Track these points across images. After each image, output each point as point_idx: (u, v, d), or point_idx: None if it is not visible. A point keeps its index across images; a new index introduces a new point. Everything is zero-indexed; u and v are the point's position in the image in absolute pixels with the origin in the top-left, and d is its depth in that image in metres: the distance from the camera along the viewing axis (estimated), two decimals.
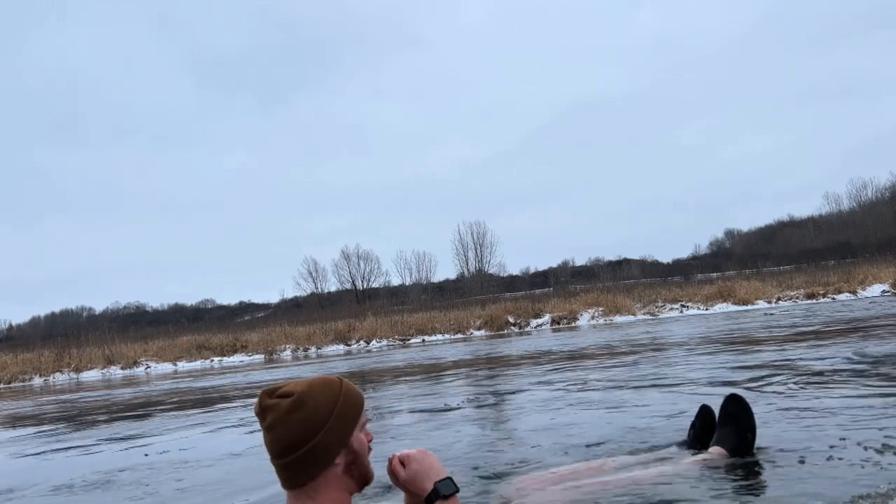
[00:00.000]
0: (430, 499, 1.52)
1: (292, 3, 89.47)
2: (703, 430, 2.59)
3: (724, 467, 2.30)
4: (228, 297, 79.41)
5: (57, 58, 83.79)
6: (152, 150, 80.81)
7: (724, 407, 2.52)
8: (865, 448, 2.44)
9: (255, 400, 1.54)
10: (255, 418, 1.54)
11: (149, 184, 79.64)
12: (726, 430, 2.46)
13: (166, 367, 20.41)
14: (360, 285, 55.12)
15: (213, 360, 20.84)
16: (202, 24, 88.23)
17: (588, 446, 2.99)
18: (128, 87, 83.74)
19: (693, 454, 2.45)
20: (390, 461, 1.61)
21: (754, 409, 2.49)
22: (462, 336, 21.33)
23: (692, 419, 2.67)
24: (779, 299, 21.19)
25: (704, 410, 2.62)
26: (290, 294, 57.97)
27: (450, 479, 1.55)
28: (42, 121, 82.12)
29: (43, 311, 64.96)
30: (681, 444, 2.63)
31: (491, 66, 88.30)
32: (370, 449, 1.59)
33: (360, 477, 1.55)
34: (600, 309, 21.83)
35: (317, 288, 55.43)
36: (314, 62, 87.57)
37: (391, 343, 21.36)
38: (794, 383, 4.28)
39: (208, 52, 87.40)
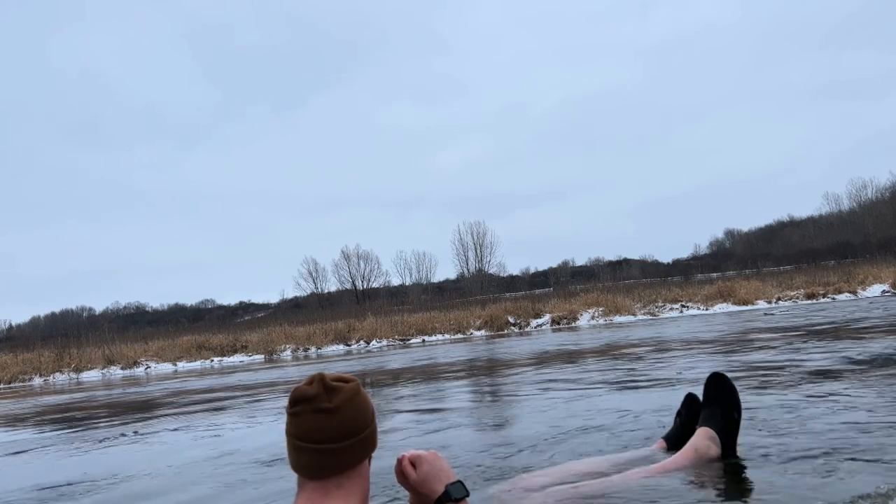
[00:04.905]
0: (441, 501, 1.50)
1: (311, 5, 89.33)
2: (689, 419, 2.57)
3: (721, 465, 2.30)
4: (228, 297, 79.47)
5: (65, 60, 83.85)
6: (154, 151, 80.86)
7: (708, 387, 2.49)
8: (866, 448, 2.44)
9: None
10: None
11: (149, 184, 79.91)
12: (712, 410, 2.43)
13: (166, 368, 20.41)
14: (360, 285, 55.14)
15: (213, 361, 20.84)
16: (219, 26, 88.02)
17: (587, 446, 2.99)
18: (138, 89, 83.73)
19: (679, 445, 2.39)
20: (400, 461, 1.58)
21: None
22: (462, 336, 21.32)
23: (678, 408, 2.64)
24: (779, 299, 21.20)
25: (691, 399, 2.60)
26: (290, 294, 58.06)
27: (460, 482, 1.54)
28: (52, 122, 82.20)
29: (43, 311, 64.91)
30: (667, 437, 2.60)
31: (503, 67, 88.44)
32: None
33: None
34: (600, 309, 21.83)
35: (317, 288, 55.51)
36: (330, 64, 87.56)
37: (391, 343, 21.35)
38: (794, 382, 4.28)
39: (223, 54, 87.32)
